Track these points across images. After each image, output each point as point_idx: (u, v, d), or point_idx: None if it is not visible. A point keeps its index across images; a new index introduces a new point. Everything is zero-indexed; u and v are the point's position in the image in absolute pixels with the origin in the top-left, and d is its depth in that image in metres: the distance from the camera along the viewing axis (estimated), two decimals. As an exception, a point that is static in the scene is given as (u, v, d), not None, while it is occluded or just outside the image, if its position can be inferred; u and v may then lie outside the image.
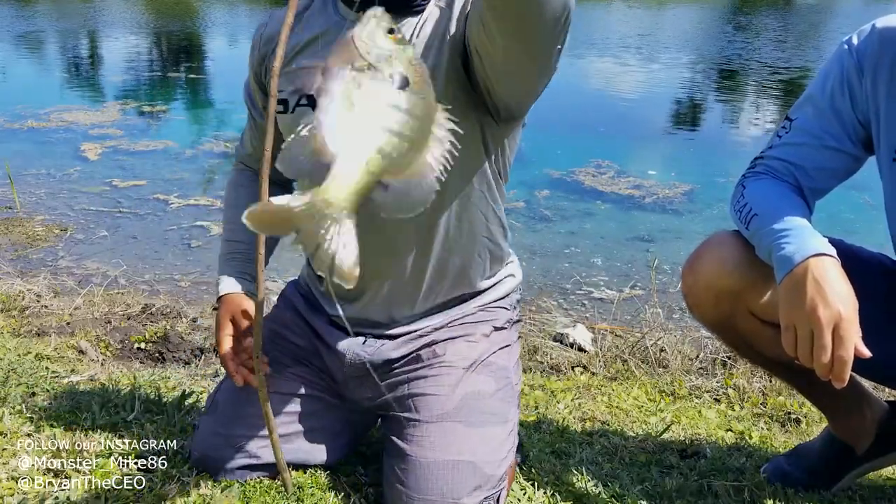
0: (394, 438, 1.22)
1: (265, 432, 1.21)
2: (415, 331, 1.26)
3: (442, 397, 1.20)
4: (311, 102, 1.16)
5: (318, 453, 1.32)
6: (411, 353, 1.26)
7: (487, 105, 1.09)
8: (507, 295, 1.33)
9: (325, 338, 1.29)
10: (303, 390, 1.31)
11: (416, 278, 1.21)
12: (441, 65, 1.08)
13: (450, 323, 1.27)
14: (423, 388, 1.22)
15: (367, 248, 1.17)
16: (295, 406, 1.30)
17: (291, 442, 1.28)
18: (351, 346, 1.26)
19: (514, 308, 1.36)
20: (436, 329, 1.26)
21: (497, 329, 1.30)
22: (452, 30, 1.08)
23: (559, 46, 0.96)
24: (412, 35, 1.12)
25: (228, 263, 1.30)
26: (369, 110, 0.70)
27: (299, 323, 1.34)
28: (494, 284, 1.31)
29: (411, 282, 1.22)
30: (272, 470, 1.27)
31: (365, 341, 1.26)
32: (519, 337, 1.38)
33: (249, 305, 1.24)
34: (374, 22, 0.74)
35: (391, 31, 0.73)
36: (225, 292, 1.26)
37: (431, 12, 1.12)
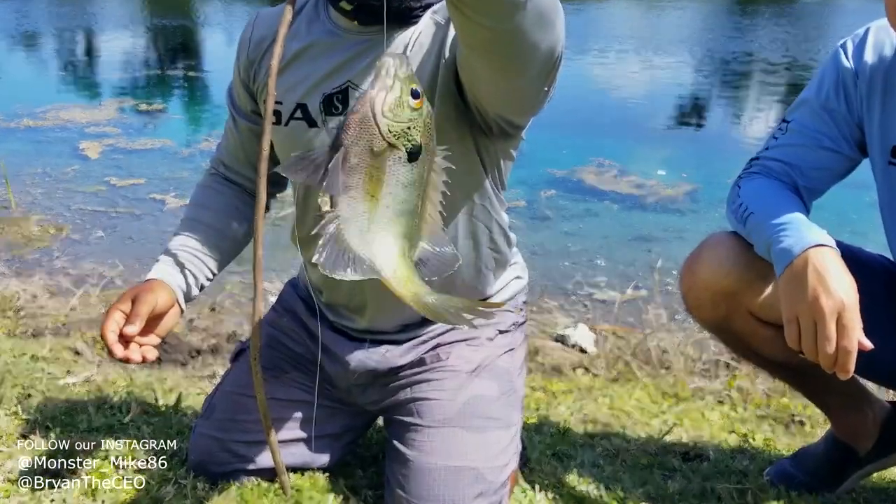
0: (395, 443, 1.20)
1: (262, 437, 1.20)
2: (419, 335, 1.24)
3: (444, 402, 1.19)
4: (306, 116, 1.11)
5: (319, 458, 1.31)
6: (416, 358, 1.24)
7: (481, 124, 1.06)
8: (513, 297, 1.31)
9: (328, 345, 1.27)
10: (301, 396, 1.29)
11: None
12: (436, 85, 1.04)
13: (455, 326, 1.24)
14: (426, 392, 1.21)
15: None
16: (294, 412, 1.28)
17: (290, 448, 1.27)
18: (355, 354, 1.24)
19: (521, 310, 1.34)
20: (440, 333, 1.24)
21: (502, 332, 1.28)
22: (447, 52, 1.03)
23: (546, 88, 0.93)
24: (405, 49, 1.06)
25: (174, 256, 1.19)
26: (387, 202, 0.66)
27: (297, 329, 1.32)
28: (501, 289, 1.29)
29: None
30: (270, 475, 1.25)
31: (368, 347, 1.24)
32: (525, 337, 1.37)
33: (164, 302, 1.10)
34: (399, 88, 0.64)
35: (415, 95, 0.65)
36: (152, 276, 1.14)
37: (427, 25, 1.07)
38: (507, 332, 1.29)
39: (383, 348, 1.23)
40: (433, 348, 1.24)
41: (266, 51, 1.16)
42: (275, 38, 1.05)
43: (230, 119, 1.28)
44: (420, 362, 1.24)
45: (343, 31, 1.10)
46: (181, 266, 1.18)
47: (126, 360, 1.05)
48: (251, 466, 1.26)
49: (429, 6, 1.08)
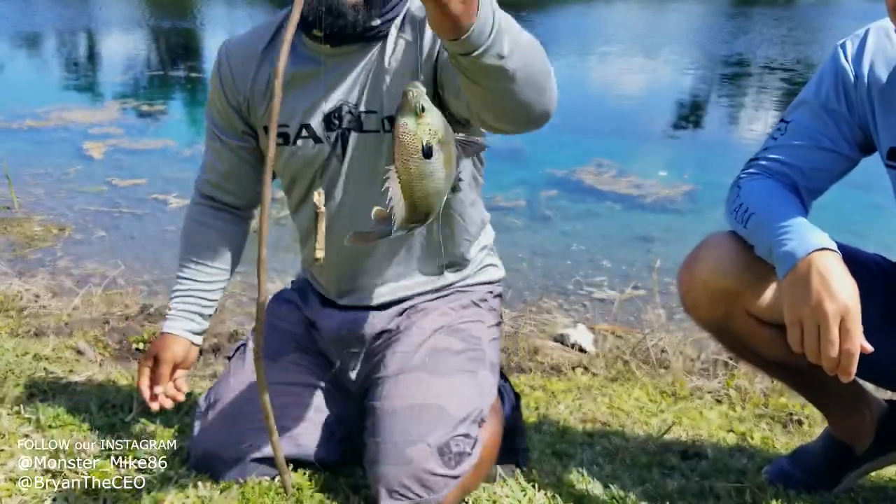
0: (366, 401, 1.26)
1: (263, 425, 1.21)
2: (396, 301, 1.32)
3: (408, 353, 1.26)
4: (312, 134, 1.23)
5: (314, 448, 1.32)
6: (395, 327, 1.32)
7: (460, 120, 1.14)
8: (489, 283, 1.39)
9: (319, 318, 1.36)
10: (300, 379, 1.35)
11: (387, 254, 1.30)
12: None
13: (432, 297, 1.34)
14: (393, 348, 1.29)
15: (348, 252, 1.23)
16: (291, 397, 1.33)
17: (285, 433, 1.29)
18: (344, 321, 1.33)
19: (496, 297, 1.41)
20: (420, 303, 1.33)
21: (474, 303, 1.36)
22: (423, 68, 1.15)
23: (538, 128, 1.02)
24: (386, 62, 1.18)
25: (183, 301, 1.34)
26: (423, 185, 0.92)
27: (294, 311, 1.42)
28: (476, 271, 1.38)
29: (385, 257, 1.30)
30: (271, 464, 1.26)
31: (355, 314, 1.33)
32: (499, 323, 1.42)
33: (179, 352, 1.31)
34: (413, 121, 0.88)
35: (420, 111, 0.88)
36: (166, 331, 1.32)
37: (399, 45, 1.18)
38: (478, 306, 1.36)
39: (370, 314, 1.33)
40: (407, 317, 1.32)
41: (253, 82, 1.26)
42: (259, 69, 1.24)
43: (215, 142, 1.35)
44: (395, 330, 1.32)
45: (321, 56, 1.21)
46: (188, 312, 1.34)
47: (162, 409, 1.30)
48: (255, 455, 1.28)
49: (391, 21, 1.19)
